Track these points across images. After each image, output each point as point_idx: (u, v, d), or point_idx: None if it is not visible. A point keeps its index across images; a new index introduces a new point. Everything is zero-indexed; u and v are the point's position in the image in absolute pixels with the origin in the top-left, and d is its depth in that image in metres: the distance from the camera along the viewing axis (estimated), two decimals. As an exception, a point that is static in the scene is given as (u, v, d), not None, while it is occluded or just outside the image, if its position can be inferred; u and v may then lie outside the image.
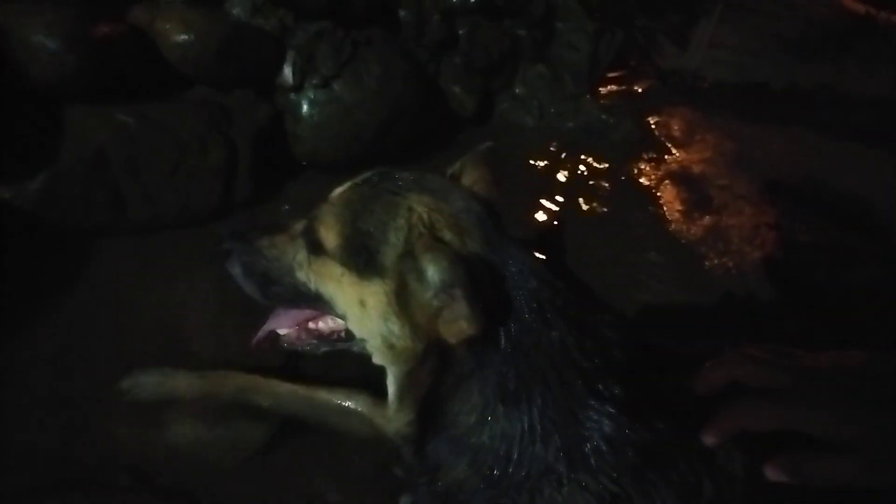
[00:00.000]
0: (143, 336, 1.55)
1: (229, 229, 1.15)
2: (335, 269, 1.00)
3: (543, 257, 2.14)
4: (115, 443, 1.34)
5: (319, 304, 1.07)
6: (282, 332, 1.19)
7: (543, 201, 2.51)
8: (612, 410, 0.89)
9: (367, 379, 1.35)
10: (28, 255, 1.57)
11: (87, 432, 1.34)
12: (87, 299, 1.59)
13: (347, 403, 1.35)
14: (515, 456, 0.92)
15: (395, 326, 0.94)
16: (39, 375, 1.41)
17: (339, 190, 1.06)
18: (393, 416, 1.05)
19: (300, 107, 2.13)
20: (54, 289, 1.58)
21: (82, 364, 1.45)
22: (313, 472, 1.37)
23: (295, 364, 1.48)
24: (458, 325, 0.88)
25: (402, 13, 2.51)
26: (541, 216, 2.44)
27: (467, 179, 1.17)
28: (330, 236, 0.99)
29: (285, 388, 1.36)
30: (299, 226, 1.09)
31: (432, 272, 0.88)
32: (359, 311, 0.99)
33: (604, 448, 0.89)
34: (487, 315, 0.86)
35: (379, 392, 1.14)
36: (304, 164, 2.24)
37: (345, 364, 1.37)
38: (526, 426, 0.91)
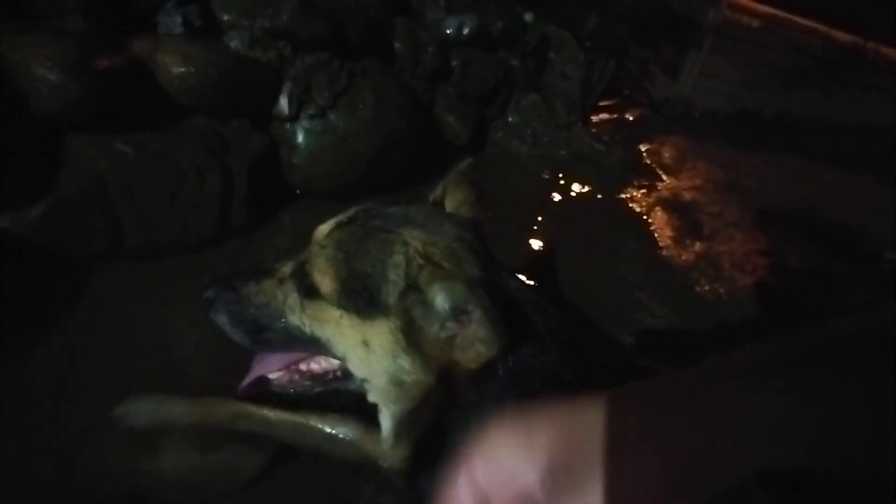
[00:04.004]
0: (138, 362, 1.55)
1: (211, 278, 1.14)
2: (333, 313, 0.99)
3: (535, 283, 2.16)
4: (110, 469, 1.34)
5: (315, 347, 1.06)
6: (272, 376, 1.19)
7: (536, 228, 2.54)
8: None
9: (360, 405, 1.35)
10: (26, 280, 1.58)
11: (82, 459, 1.34)
12: (83, 325, 1.60)
13: (339, 431, 1.34)
14: None
15: (406, 362, 0.94)
16: (35, 401, 1.41)
17: (324, 229, 1.05)
18: (389, 452, 1.05)
19: (296, 136, 2.16)
20: (51, 315, 1.59)
21: (78, 390, 1.45)
22: (306, 499, 1.37)
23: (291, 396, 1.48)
24: (474, 349, 0.88)
25: (397, 44, 2.57)
26: (534, 243, 2.46)
27: (451, 202, 1.17)
28: (325, 280, 0.98)
29: (277, 416, 1.36)
30: (287, 269, 1.07)
31: (441, 300, 0.88)
32: (362, 351, 0.98)
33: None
34: (506, 336, 0.87)
35: (370, 419, 1.14)
36: (300, 192, 2.26)
37: (338, 392, 1.38)
38: None
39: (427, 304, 0.89)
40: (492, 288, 0.90)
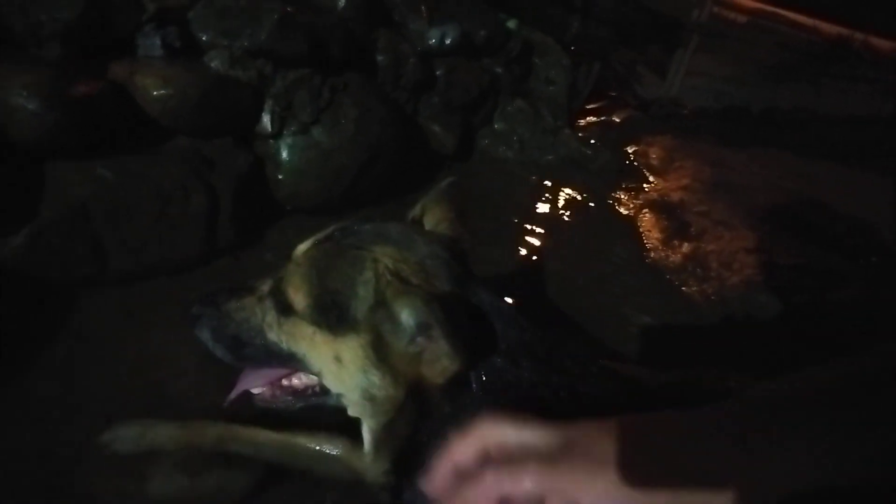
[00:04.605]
0: (125, 387, 1.55)
1: (200, 294, 1.15)
2: (307, 329, 1.00)
3: (523, 288, 2.16)
4: (97, 496, 1.34)
5: (293, 363, 1.07)
6: (255, 391, 1.20)
7: (525, 234, 2.54)
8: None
9: (346, 423, 1.35)
10: (10, 308, 1.58)
11: (69, 487, 1.33)
12: (69, 351, 1.60)
13: (326, 449, 1.34)
14: None
15: (376, 377, 0.95)
16: (21, 428, 1.41)
17: (302, 247, 1.07)
18: (370, 466, 1.06)
19: (280, 153, 2.17)
20: (36, 341, 1.59)
21: (64, 417, 1.45)
22: (295, 520, 1.37)
23: (274, 410, 1.48)
24: (440, 363, 0.89)
25: (379, 57, 2.57)
26: (523, 248, 2.47)
27: (430, 220, 1.18)
28: (298, 297, 0.99)
29: (264, 436, 1.36)
30: (266, 286, 1.09)
31: (406, 316, 0.89)
32: (335, 367, 0.99)
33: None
34: (468, 350, 0.88)
35: (357, 436, 1.15)
36: (287, 207, 2.27)
37: (323, 409, 1.38)
38: None
39: (394, 320, 0.90)
40: (454, 303, 0.90)
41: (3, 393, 1.45)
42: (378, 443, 1.02)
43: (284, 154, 2.17)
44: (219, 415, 1.44)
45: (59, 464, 1.37)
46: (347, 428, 1.35)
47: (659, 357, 2.02)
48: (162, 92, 1.83)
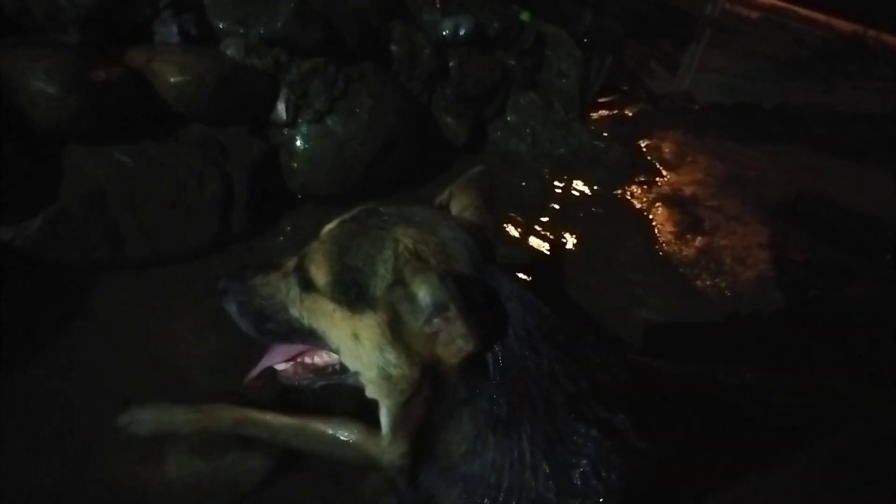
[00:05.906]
0: (141, 370, 1.56)
1: (226, 269, 1.17)
2: (327, 305, 1.01)
3: (537, 281, 2.16)
4: (115, 478, 1.35)
5: (313, 340, 1.08)
6: (279, 367, 1.21)
7: (537, 226, 2.54)
8: (596, 434, 0.91)
9: (362, 408, 1.36)
10: (28, 292, 1.59)
11: (87, 468, 1.35)
12: (86, 335, 1.61)
13: (341, 434, 1.35)
14: (506, 485, 0.93)
15: (391, 356, 0.96)
16: (40, 411, 1.42)
17: (328, 227, 1.08)
18: (387, 448, 1.07)
19: (294, 141, 2.17)
20: (54, 325, 1.60)
21: (82, 400, 1.46)
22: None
23: (291, 395, 1.49)
24: (455, 344, 0.90)
25: (393, 48, 2.57)
26: (535, 241, 2.47)
27: (456, 206, 1.18)
28: (320, 274, 1.01)
29: (280, 421, 1.37)
30: (291, 263, 1.11)
31: (423, 294, 0.90)
32: (352, 344, 1.00)
33: (590, 473, 0.91)
34: (483, 330, 0.88)
35: (372, 422, 1.15)
36: (300, 196, 2.27)
37: (340, 394, 1.39)
38: (515, 455, 0.93)
39: (411, 299, 0.90)
40: (472, 284, 0.91)
41: (21, 376, 1.46)
42: (395, 423, 1.02)
43: (299, 143, 2.17)
44: (235, 398, 1.46)
45: (77, 445, 1.38)
46: (363, 415, 1.36)
47: (670, 350, 2.02)
48: (178, 79, 1.83)
